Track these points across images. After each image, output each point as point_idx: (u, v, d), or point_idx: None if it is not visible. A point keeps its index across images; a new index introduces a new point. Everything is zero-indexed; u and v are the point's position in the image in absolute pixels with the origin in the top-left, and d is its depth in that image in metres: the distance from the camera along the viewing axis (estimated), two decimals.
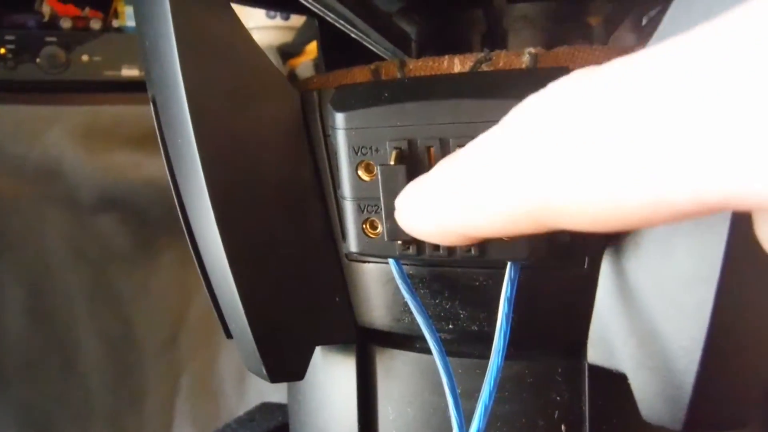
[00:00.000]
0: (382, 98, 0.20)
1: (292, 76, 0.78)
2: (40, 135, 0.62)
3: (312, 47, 0.78)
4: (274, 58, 0.77)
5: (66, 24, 0.67)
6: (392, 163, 0.19)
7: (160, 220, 0.65)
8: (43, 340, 0.64)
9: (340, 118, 0.20)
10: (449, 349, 0.21)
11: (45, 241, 0.64)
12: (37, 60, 0.65)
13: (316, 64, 0.74)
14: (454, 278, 0.22)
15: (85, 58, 0.68)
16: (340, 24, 0.29)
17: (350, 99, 0.20)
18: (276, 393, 0.58)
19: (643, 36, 0.30)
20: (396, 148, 0.19)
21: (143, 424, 0.67)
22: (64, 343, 0.65)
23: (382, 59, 0.24)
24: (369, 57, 0.25)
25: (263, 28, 0.80)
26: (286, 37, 0.81)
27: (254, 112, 0.22)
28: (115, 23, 0.70)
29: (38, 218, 0.63)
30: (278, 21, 0.79)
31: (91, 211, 0.64)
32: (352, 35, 0.30)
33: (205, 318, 0.69)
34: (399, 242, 0.20)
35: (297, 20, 0.79)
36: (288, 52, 0.80)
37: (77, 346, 0.65)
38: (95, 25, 0.69)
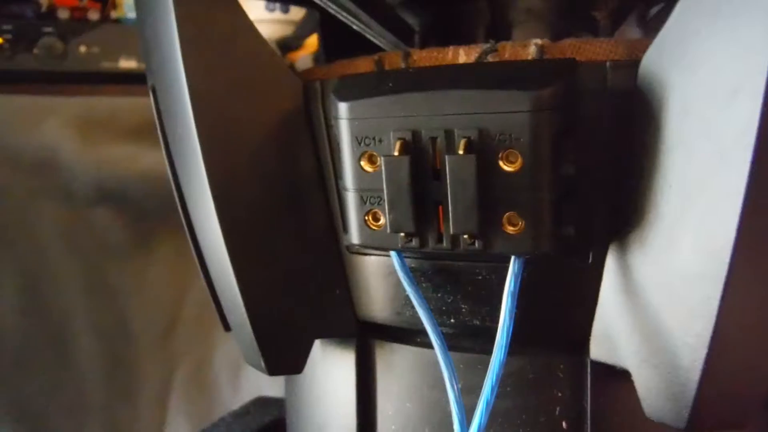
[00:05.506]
0: (385, 88, 0.19)
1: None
2: (36, 126, 0.62)
3: (312, 41, 0.77)
4: None
5: (63, 14, 0.67)
6: (396, 154, 0.19)
7: (155, 212, 0.64)
8: (37, 334, 0.63)
9: (343, 108, 0.20)
10: (450, 344, 0.20)
11: (40, 234, 0.63)
12: (35, 50, 0.65)
13: (316, 58, 0.73)
14: (456, 272, 0.22)
15: (82, 49, 0.67)
16: (343, 16, 0.29)
17: (353, 89, 0.20)
18: (271, 387, 0.58)
19: (649, 30, 0.29)
20: (400, 138, 0.19)
21: (137, 418, 0.67)
22: (59, 337, 0.64)
23: (383, 52, 0.24)
24: (370, 50, 0.25)
25: (262, 21, 0.79)
26: (285, 31, 0.80)
27: (256, 101, 0.22)
28: (113, 14, 0.69)
29: (33, 210, 0.63)
30: (278, 14, 0.79)
31: (87, 203, 0.64)
32: (354, 27, 0.29)
33: (200, 311, 0.69)
34: (401, 234, 0.20)
35: (296, 13, 0.78)
36: (287, 45, 0.80)
37: (72, 339, 0.65)
38: (93, 15, 0.68)
